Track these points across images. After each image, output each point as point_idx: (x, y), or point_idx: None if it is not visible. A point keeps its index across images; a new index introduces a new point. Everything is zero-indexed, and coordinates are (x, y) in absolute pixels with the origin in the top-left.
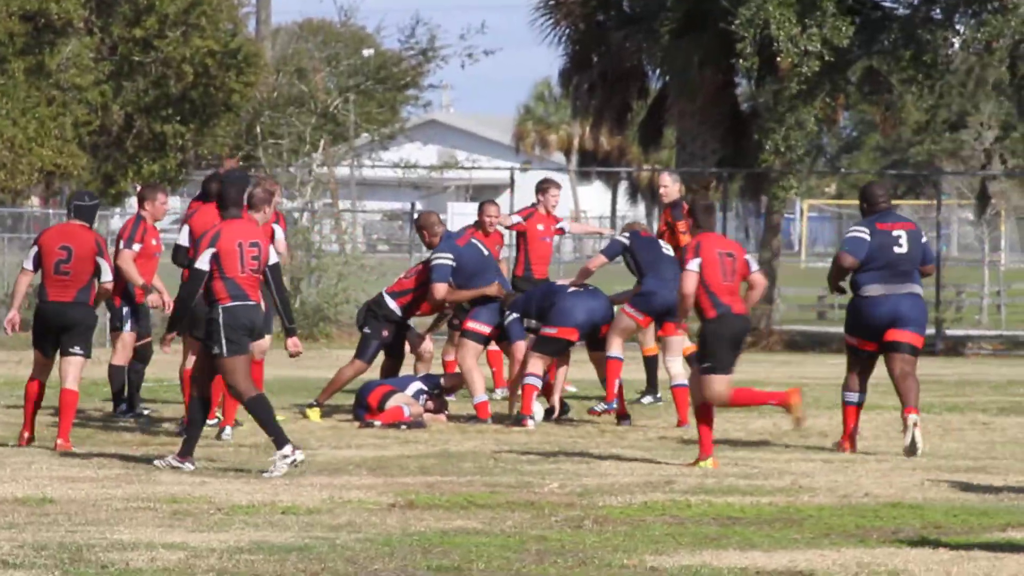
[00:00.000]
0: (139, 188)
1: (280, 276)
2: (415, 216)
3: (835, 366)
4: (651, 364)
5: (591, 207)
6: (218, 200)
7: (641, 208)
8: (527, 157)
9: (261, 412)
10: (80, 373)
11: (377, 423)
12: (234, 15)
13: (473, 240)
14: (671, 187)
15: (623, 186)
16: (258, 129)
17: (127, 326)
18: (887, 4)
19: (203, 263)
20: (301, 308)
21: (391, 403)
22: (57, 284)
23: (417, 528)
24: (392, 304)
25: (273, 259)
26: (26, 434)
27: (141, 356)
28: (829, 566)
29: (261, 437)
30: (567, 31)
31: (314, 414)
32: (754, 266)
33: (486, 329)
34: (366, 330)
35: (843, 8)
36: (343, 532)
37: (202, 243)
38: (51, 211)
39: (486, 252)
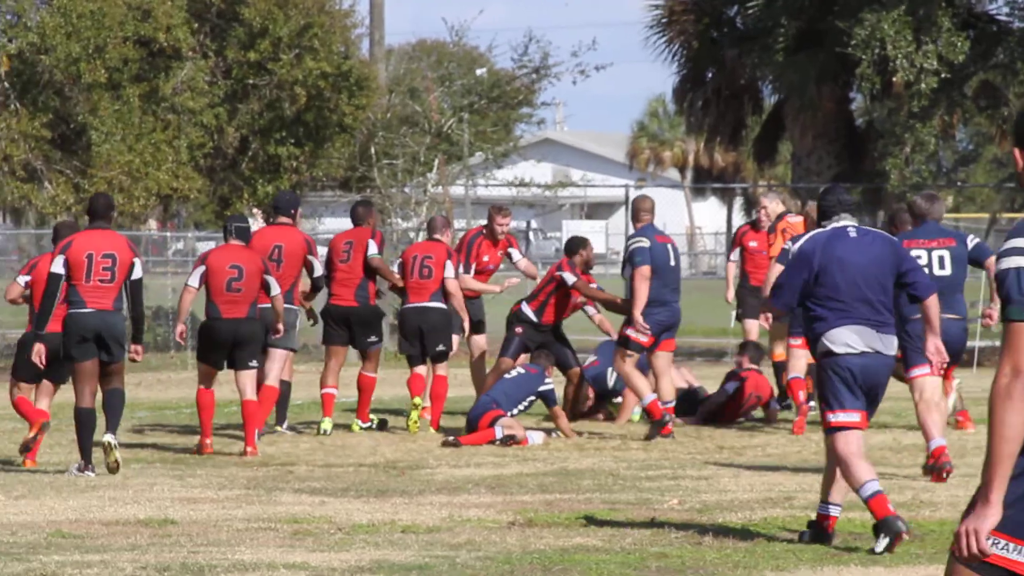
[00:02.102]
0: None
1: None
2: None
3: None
4: (780, 370)
5: (706, 223)
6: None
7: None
8: (641, 174)
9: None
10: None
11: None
12: (347, 37)
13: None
14: (771, 206)
15: (738, 202)
16: (372, 150)
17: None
18: (1002, 18)
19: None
20: None
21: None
22: (229, 302)
23: (537, 546)
24: (527, 310)
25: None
26: (207, 441)
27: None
28: None
29: (380, 457)
30: (681, 48)
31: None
32: None
33: (644, 339)
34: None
35: (958, 23)
36: (463, 550)
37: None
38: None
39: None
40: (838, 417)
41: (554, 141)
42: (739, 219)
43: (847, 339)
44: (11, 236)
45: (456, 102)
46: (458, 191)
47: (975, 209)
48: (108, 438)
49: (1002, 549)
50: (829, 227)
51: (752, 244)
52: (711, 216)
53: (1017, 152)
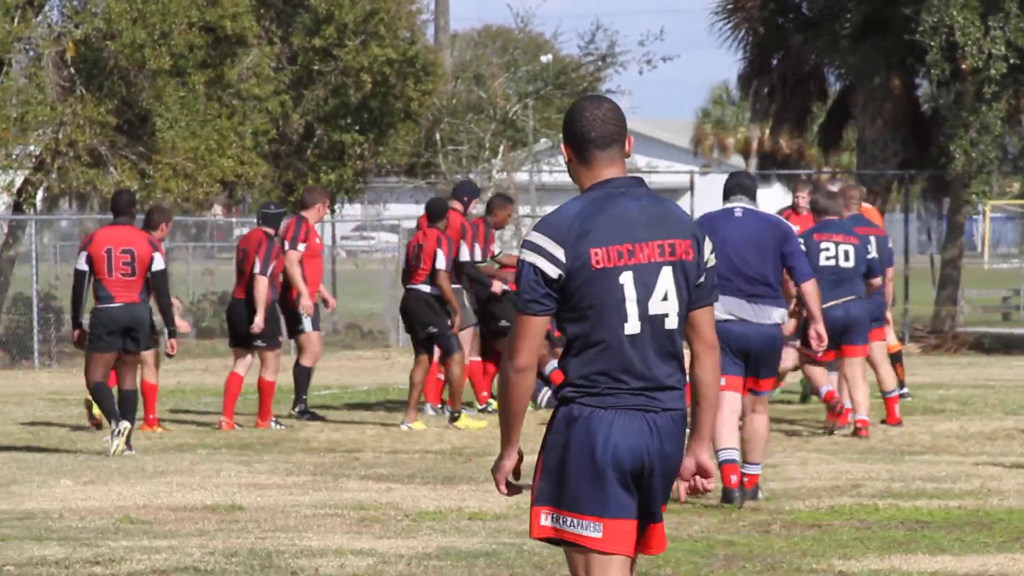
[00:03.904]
0: (304, 191)
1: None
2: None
3: (1022, 368)
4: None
5: (771, 209)
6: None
7: None
8: (706, 160)
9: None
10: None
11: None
12: (412, 23)
13: None
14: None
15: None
16: (437, 136)
17: (309, 326)
18: None
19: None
20: None
21: None
22: (243, 285)
23: None
24: None
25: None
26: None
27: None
28: (1020, 570)
29: (447, 443)
30: (746, 35)
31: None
32: None
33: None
34: None
35: None
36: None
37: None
38: (234, 219)
39: None
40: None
41: None
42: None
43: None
44: (76, 221)
45: (521, 88)
46: (523, 177)
47: None
48: (124, 424)
49: (569, 525)
50: (722, 207)
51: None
52: (776, 202)
53: None
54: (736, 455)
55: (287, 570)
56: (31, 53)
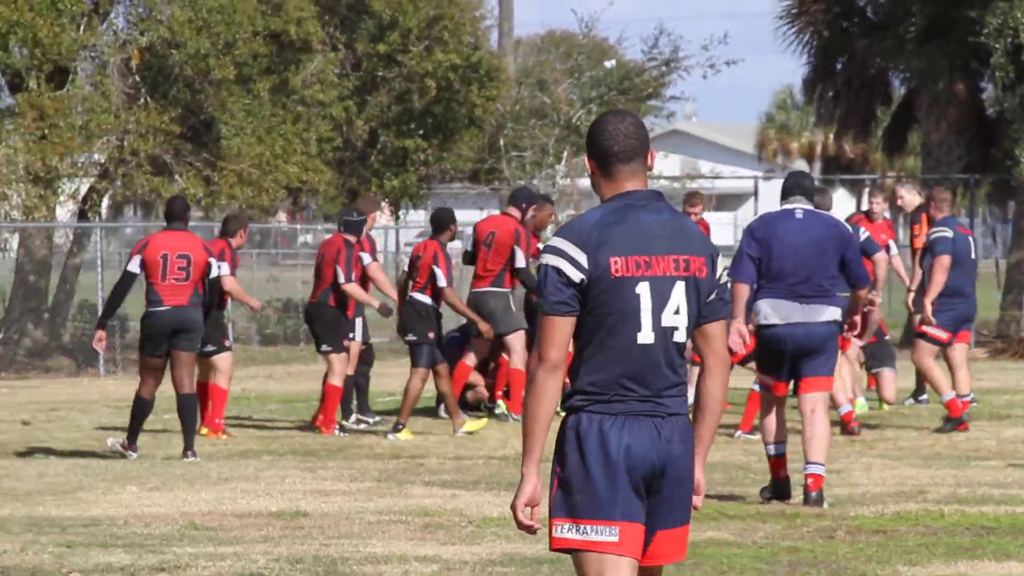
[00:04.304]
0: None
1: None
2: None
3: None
4: None
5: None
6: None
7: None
8: (770, 165)
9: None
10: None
11: None
12: (476, 29)
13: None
14: (908, 197)
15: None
16: (501, 142)
17: (357, 335)
18: None
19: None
20: None
21: None
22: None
23: None
24: None
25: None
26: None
27: (367, 360)
28: None
29: (511, 449)
30: (811, 39)
31: None
32: None
33: (944, 335)
34: None
35: None
36: None
37: None
38: (298, 226)
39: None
40: (765, 378)
41: (682, 133)
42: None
43: (765, 312)
44: (141, 228)
45: (585, 94)
46: (586, 183)
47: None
48: (190, 459)
49: (583, 533)
50: (780, 208)
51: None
52: (840, 207)
53: None
54: (785, 448)
55: None
56: (96, 61)
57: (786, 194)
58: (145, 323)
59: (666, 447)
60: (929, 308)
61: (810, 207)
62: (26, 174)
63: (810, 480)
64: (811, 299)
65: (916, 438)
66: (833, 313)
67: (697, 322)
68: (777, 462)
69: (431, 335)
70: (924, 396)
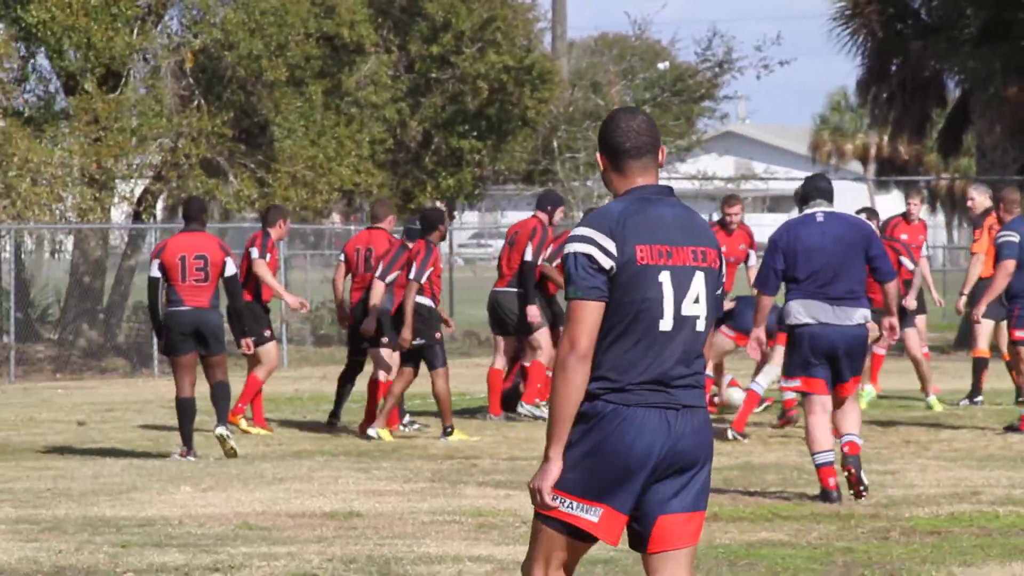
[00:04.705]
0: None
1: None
2: None
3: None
4: (979, 366)
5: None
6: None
7: (940, 217)
8: (823, 167)
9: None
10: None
11: None
12: (529, 31)
13: None
14: (978, 199)
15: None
16: (555, 143)
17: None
18: None
19: None
20: None
21: None
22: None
23: (722, 540)
24: None
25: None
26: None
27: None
28: None
29: None
30: (865, 40)
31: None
32: None
33: None
34: None
35: None
36: None
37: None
38: (352, 227)
39: None
40: (793, 383)
41: (736, 134)
42: (923, 212)
43: (797, 312)
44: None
45: (638, 95)
46: None
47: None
48: (220, 431)
49: (567, 507)
50: (802, 213)
51: (903, 237)
52: (894, 208)
53: None
54: (833, 457)
55: None
56: (150, 64)
57: (805, 199)
58: (167, 323)
59: (674, 441)
60: (981, 310)
61: (831, 209)
62: (81, 176)
63: (846, 448)
64: (841, 301)
65: (971, 439)
66: (864, 315)
67: (713, 311)
68: (827, 471)
69: (437, 336)
70: (979, 398)
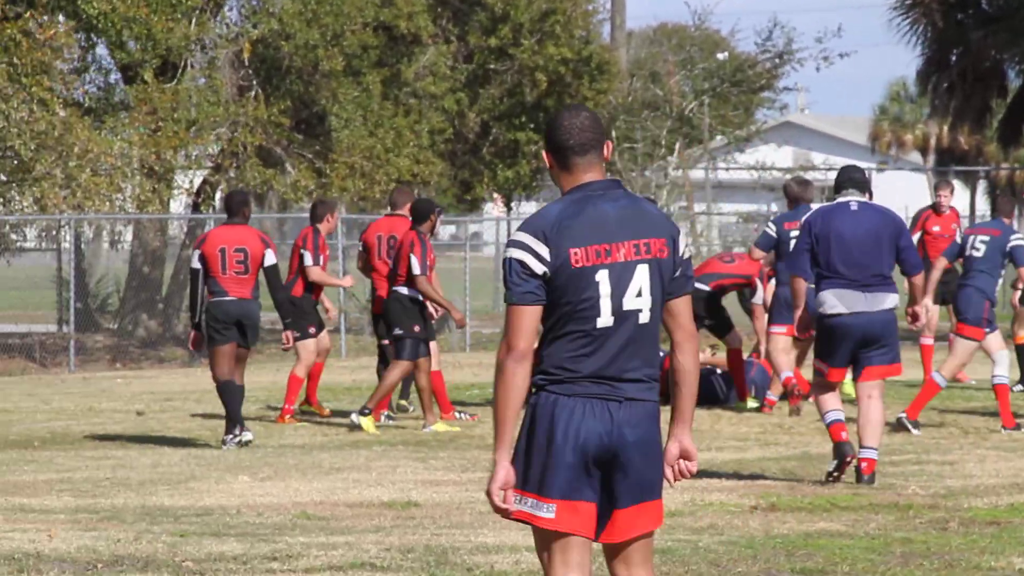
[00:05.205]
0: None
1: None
2: None
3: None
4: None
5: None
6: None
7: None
8: (883, 157)
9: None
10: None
11: None
12: (588, 22)
13: None
14: None
15: (981, 185)
16: (613, 134)
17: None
18: None
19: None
20: None
21: None
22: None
23: (780, 530)
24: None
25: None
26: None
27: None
28: None
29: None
30: (925, 30)
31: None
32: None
33: None
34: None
35: None
36: (705, 534)
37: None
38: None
39: None
40: (821, 366)
41: (795, 124)
42: (983, 202)
43: (829, 301)
44: (254, 220)
45: (698, 86)
46: (698, 175)
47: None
48: (246, 437)
49: (529, 506)
50: (835, 201)
51: (935, 228)
52: (955, 199)
53: None
54: (842, 415)
55: (463, 566)
56: (208, 54)
57: (839, 188)
58: (211, 312)
59: (618, 431)
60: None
61: (864, 199)
62: (140, 167)
63: (864, 464)
64: (872, 288)
65: None
66: (893, 300)
67: (663, 300)
68: (837, 427)
69: (416, 329)
70: None
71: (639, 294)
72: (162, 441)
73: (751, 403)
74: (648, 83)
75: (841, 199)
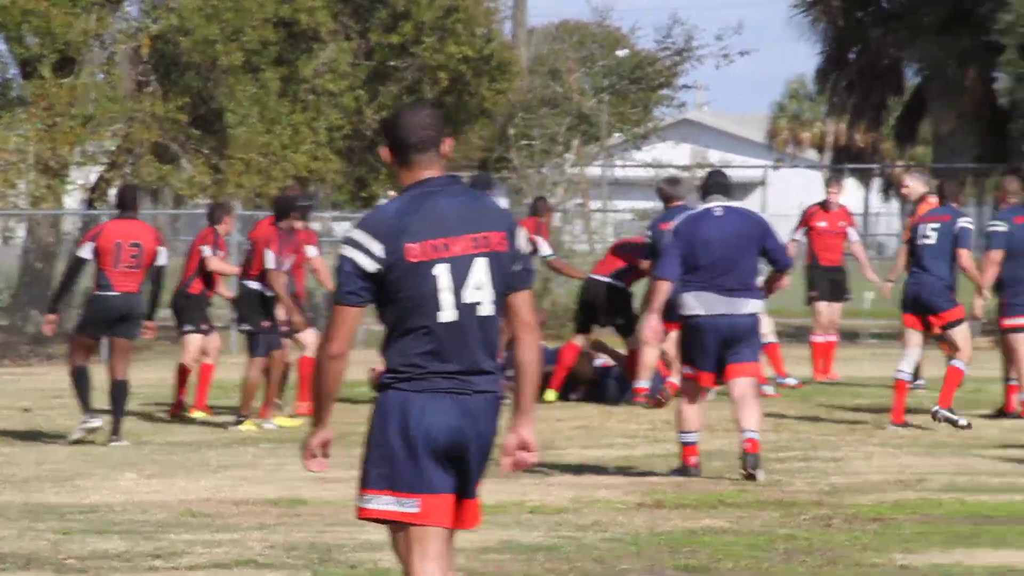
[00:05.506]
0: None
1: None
2: None
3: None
4: None
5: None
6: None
7: (894, 204)
8: (780, 155)
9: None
10: None
11: None
12: (490, 20)
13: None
14: (913, 185)
15: (876, 183)
16: (511, 131)
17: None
18: None
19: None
20: (552, 308)
21: None
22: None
23: (664, 527)
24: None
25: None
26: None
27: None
28: None
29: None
30: (825, 28)
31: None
32: None
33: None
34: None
35: None
36: (590, 531)
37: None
38: None
39: None
40: (688, 371)
41: (693, 122)
42: (877, 200)
43: (689, 303)
44: (149, 216)
45: (597, 83)
46: (595, 172)
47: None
48: (115, 444)
49: (385, 504)
50: (701, 207)
51: (821, 224)
52: (849, 197)
53: None
54: (698, 438)
55: (346, 564)
56: (108, 49)
57: (705, 194)
58: (93, 306)
59: (470, 423)
60: (979, 303)
61: (729, 203)
62: (35, 163)
63: (748, 444)
64: (734, 292)
65: (918, 426)
66: (755, 306)
67: (504, 293)
68: (690, 449)
69: (265, 323)
70: (921, 380)
71: (479, 287)
72: (49, 438)
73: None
74: (548, 80)
75: (706, 205)
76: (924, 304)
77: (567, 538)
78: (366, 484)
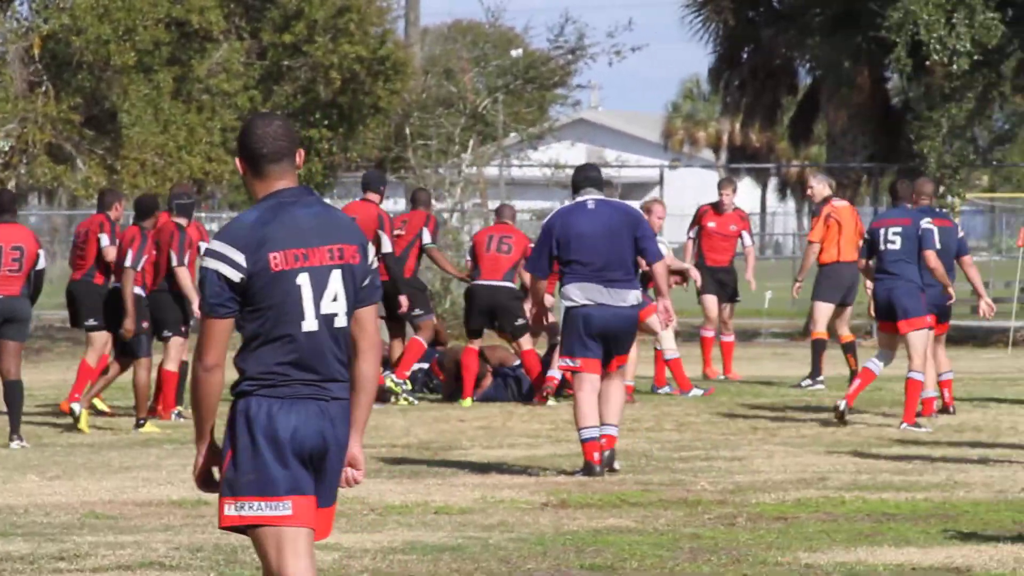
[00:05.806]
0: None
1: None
2: None
3: (992, 360)
4: (818, 348)
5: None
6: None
7: (791, 204)
8: (676, 155)
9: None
10: None
11: None
12: (383, 19)
13: None
14: (817, 187)
15: (772, 182)
16: (407, 131)
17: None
18: None
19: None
20: (452, 308)
21: None
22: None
23: (570, 527)
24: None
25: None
26: None
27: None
28: (986, 562)
29: (413, 437)
30: (717, 28)
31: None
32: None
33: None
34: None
35: (992, 5)
36: (496, 532)
37: None
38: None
39: None
40: (567, 363)
41: (589, 122)
42: (774, 199)
43: (573, 294)
44: (44, 216)
45: (491, 83)
46: (492, 172)
47: (1011, 189)
48: (15, 445)
49: (256, 510)
50: (574, 201)
51: (711, 224)
52: (745, 196)
53: None
54: (597, 433)
55: (252, 565)
56: None
57: (577, 187)
58: None
59: (331, 428)
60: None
61: (601, 197)
62: None
63: (604, 440)
64: (615, 284)
65: (819, 426)
66: (636, 296)
67: (355, 305)
68: (591, 446)
69: (144, 324)
70: (821, 378)
71: (335, 298)
72: None
73: (551, 402)
74: (442, 80)
75: (580, 198)
76: (896, 307)
77: (473, 538)
78: (235, 491)
